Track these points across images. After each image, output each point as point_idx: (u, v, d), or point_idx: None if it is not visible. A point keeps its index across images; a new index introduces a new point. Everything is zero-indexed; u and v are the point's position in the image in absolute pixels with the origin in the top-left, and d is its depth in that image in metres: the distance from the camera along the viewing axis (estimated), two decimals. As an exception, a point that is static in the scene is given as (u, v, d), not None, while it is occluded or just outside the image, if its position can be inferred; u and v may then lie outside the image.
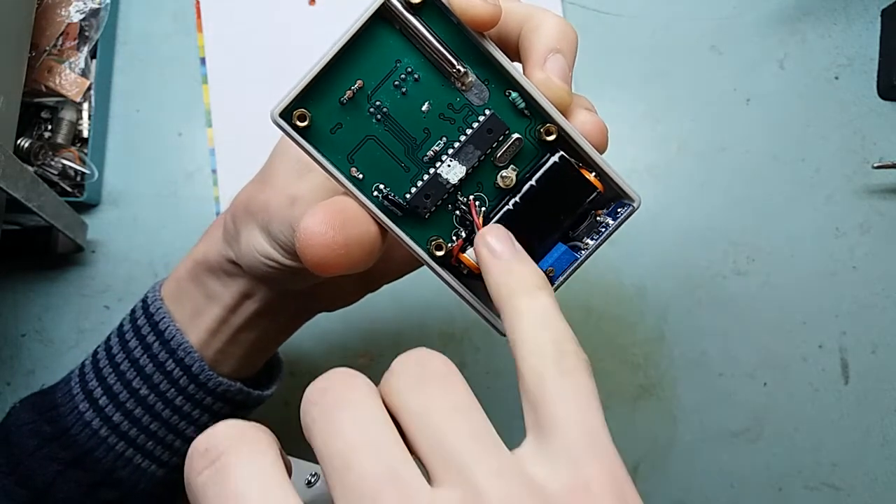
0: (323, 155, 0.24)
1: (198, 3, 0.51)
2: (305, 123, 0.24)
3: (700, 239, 0.51)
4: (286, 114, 0.24)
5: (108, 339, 0.37)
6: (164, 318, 0.35)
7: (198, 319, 0.35)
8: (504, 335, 0.26)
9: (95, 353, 0.37)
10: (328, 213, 0.24)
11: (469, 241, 0.26)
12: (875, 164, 0.49)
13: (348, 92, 0.24)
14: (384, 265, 0.34)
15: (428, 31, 0.24)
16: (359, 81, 0.24)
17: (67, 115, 0.48)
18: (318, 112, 0.24)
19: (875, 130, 0.50)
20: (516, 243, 0.24)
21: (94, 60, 0.48)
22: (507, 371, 0.50)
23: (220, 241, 0.33)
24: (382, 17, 0.24)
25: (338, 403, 0.19)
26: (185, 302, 0.35)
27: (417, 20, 0.24)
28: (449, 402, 0.19)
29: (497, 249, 0.24)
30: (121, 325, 0.37)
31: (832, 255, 0.50)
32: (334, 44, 0.23)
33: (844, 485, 0.49)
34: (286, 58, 0.51)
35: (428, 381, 0.20)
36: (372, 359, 0.50)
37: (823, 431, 0.49)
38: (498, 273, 0.23)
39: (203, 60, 0.51)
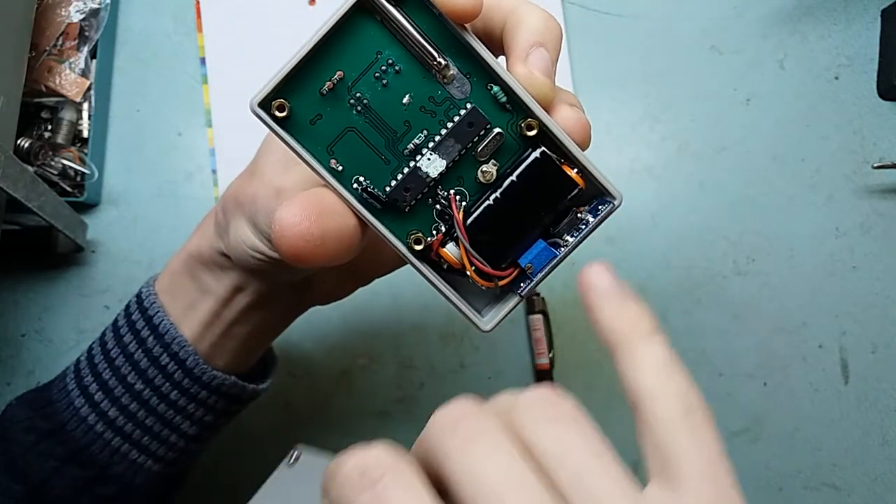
0: (302, 146, 0.24)
1: (198, 3, 0.51)
2: (285, 114, 0.24)
3: (700, 239, 0.51)
4: (265, 104, 0.24)
5: (104, 334, 0.37)
6: (158, 312, 0.35)
7: (191, 313, 0.35)
8: (484, 331, 0.26)
9: (91, 348, 0.37)
10: (304, 204, 0.24)
11: (449, 235, 0.26)
12: (875, 164, 0.49)
13: (328, 83, 0.24)
14: (375, 259, 0.34)
15: (409, 22, 0.24)
16: (339, 72, 0.24)
17: (67, 115, 0.48)
18: (297, 103, 0.24)
19: (875, 130, 0.50)
20: (620, 279, 0.24)
21: (94, 60, 0.48)
22: (506, 371, 0.50)
23: (213, 233, 0.33)
24: (363, 8, 0.24)
25: (477, 437, 0.20)
26: (179, 295, 0.35)
27: (399, 11, 0.24)
28: (588, 444, 0.20)
29: (604, 288, 0.23)
30: (116, 320, 0.37)
31: (832, 255, 0.50)
32: (314, 34, 0.23)
33: (844, 485, 0.49)
34: (286, 58, 0.51)
35: (564, 421, 0.20)
36: (372, 360, 0.50)
37: (823, 431, 0.49)
38: (609, 314, 0.23)
39: (203, 60, 0.51)
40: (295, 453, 0.33)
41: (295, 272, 0.31)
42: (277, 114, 0.24)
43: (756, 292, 0.50)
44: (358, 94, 0.24)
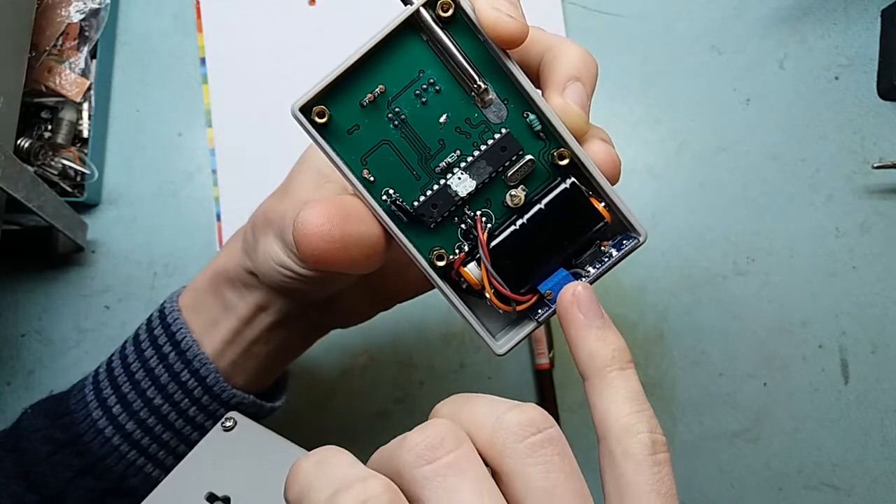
0: (337, 153, 0.25)
1: (198, 3, 0.51)
2: (324, 120, 0.24)
3: (700, 239, 0.51)
4: (306, 109, 0.24)
5: (124, 346, 0.37)
6: (181, 328, 0.35)
7: (213, 330, 0.35)
8: (498, 355, 0.26)
9: (110, 360, 0.37)
10: (329, 207, 0.25)
11: (471, 255, 0.26)
12: (875, 164, 0.49)
13: (369, 95, 0.25)
14: (398, 282, 0.35)
15: (454, 45, 0.24)
16: (381, 86, 0.25)
17: (67, 115, 0.48)
18: (337, 111, 0.25)
19: (875, 130, 0.50)
20: (601, 307, 0.24)
21: (94, 60, 0.48)
22: (506, 371, 0.50)
23: (240, 251, 0.34)
24: (411, 27, 0.24)
25: (453, 469, 0.20)
26: (202, 312, 0.35)
27: (445, 34, 0.24)
28: (570, 484, 0.21)
29: (590, 312, 0.24)
30: (137, 333, 0.37)
31: (832, 255, 0.50)
32: (361, 46, 0.24)
33: (844, 485, 0.49)
34: (286, 58, 0.51)
35: (549, 456, 0.21)
36: (371, 358, 0.50)
37: (823, 431, 0.49)
38: (592, 340, 0.23)
39: (203, 60, 0.51)
40: (230, 421, 0.33)
41: (319, 289, 0.32)
42: (317, 119, 0.24)
43: (756, 292, 0.50)
44: (397, 109, 0.25)
